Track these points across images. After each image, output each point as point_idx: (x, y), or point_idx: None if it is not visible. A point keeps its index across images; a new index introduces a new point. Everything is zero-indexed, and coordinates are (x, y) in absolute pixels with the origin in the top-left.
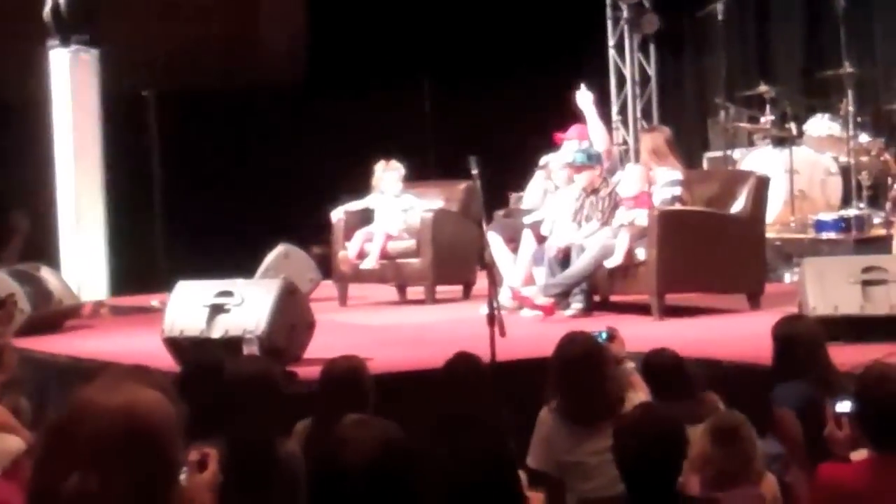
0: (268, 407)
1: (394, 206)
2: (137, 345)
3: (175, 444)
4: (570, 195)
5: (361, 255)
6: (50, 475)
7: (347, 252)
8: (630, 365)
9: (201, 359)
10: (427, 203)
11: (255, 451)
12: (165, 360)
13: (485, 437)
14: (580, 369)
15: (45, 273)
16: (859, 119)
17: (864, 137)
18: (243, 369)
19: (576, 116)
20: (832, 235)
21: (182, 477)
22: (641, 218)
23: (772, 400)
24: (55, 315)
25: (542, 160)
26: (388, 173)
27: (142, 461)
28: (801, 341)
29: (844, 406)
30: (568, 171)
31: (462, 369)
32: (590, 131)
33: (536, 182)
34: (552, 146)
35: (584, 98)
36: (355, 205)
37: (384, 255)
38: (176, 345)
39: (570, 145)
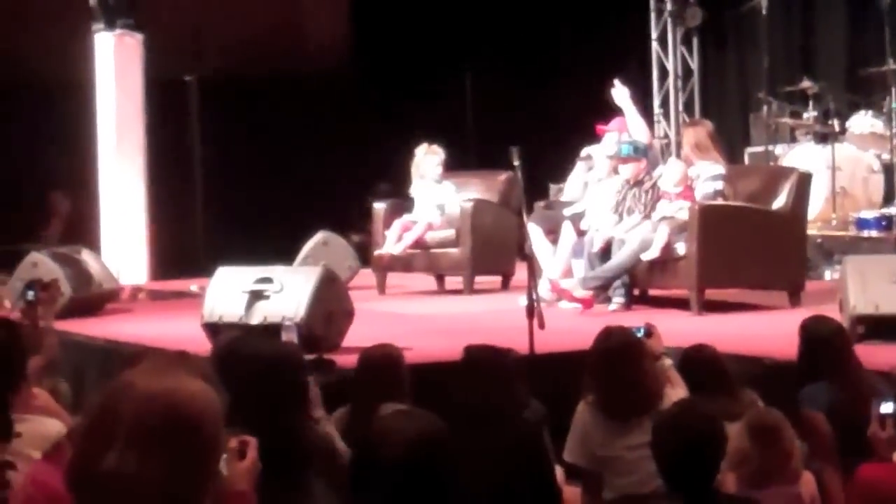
0: (290, 391)
1: (433, 194)
2: (176, 329)
3: (216, 433)
4: (612, 187)
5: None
6: (89, 455)
7: (386, 241)
8: (668, 361)
9: (230, 343)
10: (466, 194)
11: (289, 436)
12: (204, 346)
13: (514, 430)
14: (618, 364)
15: (86, 256)
16: None
17: None
18: (261, 353)
19: (617, 109)
20: (874, 233)
21: (222, 465)
22: (683, 212)
23: (800, 401)
24: (95, 298)
25: (584, 152)
26: (428, 157)
27: (180, 446)
28: (827, 342)
29: (888, 407)
30: (611, 163)
31: (477, 362)
32: (629, 126)
33: (577, 174)
34: (594, 138)
35: (620, 94)
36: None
37: (421, 244)
38: (215, 330)
39: (612, 137)
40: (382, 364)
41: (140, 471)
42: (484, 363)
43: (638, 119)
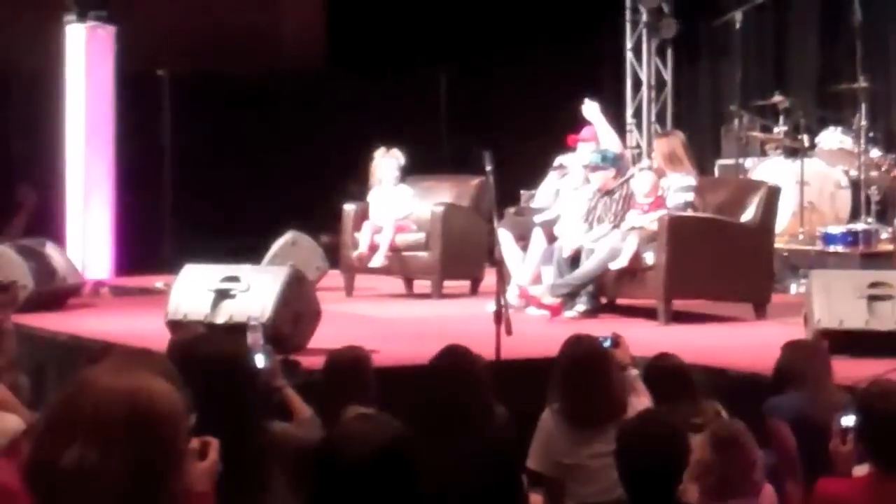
0: (241, 389)
1: (389, 198)
2: (140, 326)
3: (178, 431)
4: (583, 196)
5: (372, 247)
6: (48, 451)
7: (358, 244)
8: (634, 371)
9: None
10: (437, 197)
11: (248, 435)
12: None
13: (483, 434)
14: (583, 372)
15: (50, 249)
16: (871, 134)
17: (875, 152)
18: (210, 350)
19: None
20: (840, 249)
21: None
22: (653, 222)
23: (765, 411)
24: (58, 293)
25: (557, 161)
26: (385, 160)
27: (141, 444)
28: (803, 359)
29: (849, 421)
30: (584, 172)
31: (449, 364)
32: (601, 139)
33: (549, 181)
34: (567, 146)
35: (590, 109)
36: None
37: (392, 247)
38: (179, 328)
39: (586, 146)
40: (350, 367)
41: (100, 468)
42: (456, 365)
43: (610, 131)
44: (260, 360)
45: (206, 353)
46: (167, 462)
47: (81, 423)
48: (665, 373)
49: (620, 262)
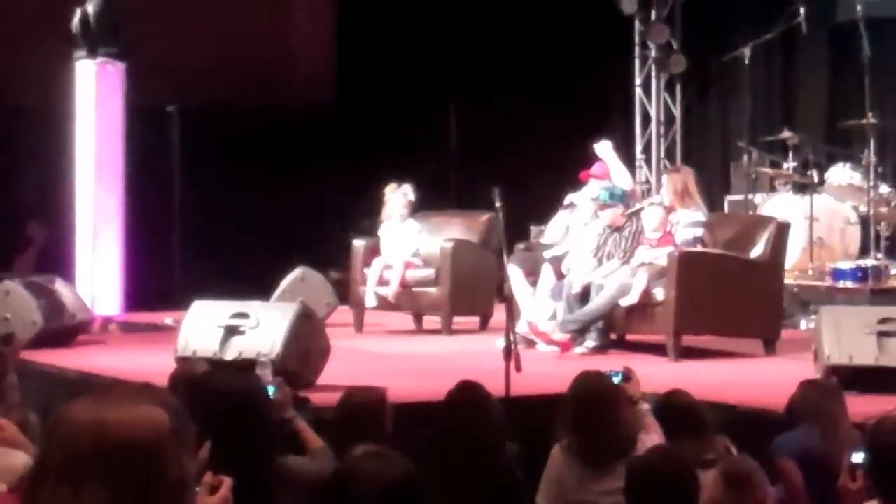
0: (253, 423)
1: (398, 234)
2: (149, 362)
3: (159, 462)
4: (593, 231)
5: (382, 283)
6: (29, 490)
7: (368, 280)
8: (645, 406)
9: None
10: (446, 233)
11: (256, 468)
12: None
13: (493, 471)
14: (593, 408)
15: (60, 286)
16: (880, 170)
17: (884, 188)
18: (223, 385)
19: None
20: (849, 284)
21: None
22: (662, 258)
23: (773, 449)
24: (67, 329)
25: (568, 199)
26: (394, 195)
27: (115, 478)
28: (817, 398)
29: (859, 457)
30: (593, 208)
31: (464, 400)
32: (613, 177)
33: (560, 217)
34: (577, 184)
35: (603, 147)
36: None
37: (402, 284)
38: (186, 364)
39: (596, 182)
40: (366, 407)
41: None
42: (470, 400)
43: (621, 169)
44: (270, 392)
45: (218, 387)
46: (150, 493)
47: (53, 460)
48: (677, 408)
49: (631, 299)
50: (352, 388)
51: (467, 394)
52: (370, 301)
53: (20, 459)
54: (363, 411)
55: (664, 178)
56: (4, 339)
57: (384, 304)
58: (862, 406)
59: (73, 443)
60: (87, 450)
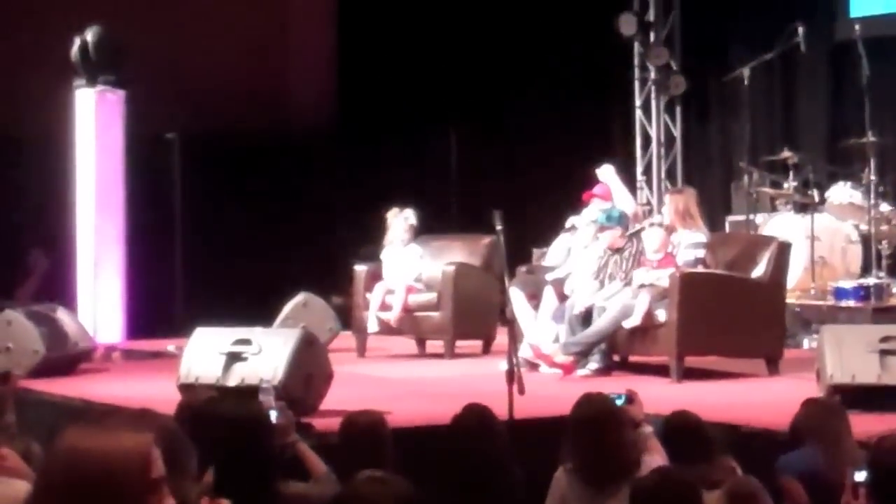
0: (256, 450)
1: (399, 258)
2: (152, 390)
3: (129, 489)
4: (594, 253)
5: (385, 307)
6: None
7: (370, 305)
8: (648, 428)
9: (195, 400)
10: (448, 257)
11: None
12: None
13: (498, 494)
14: (596, 431)
15: (61, 314)
16: (881, 188)
17: (885, 207)
18: (225, 412)
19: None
20: (851, 303)
21: None
22: (663, 279)
23: (778, 469)
24: (69, 357)
25: (569, 222)
26: (395, 220)
27: (90, 501)
28: (820, 417)
29: (862, 476)
30: (594, 230)
31: (471, 423)
32: (616, 201)
33: (561, 240)
34: (579, 206)
35: (605, 172)
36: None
37: (405, 308)
38: (191, 391)
39: (598, 203)
40: (366, 431)
41: None
42: (478, 423)
43: (625, 193)
44: (273, 417)
45: (221, 413)
46: None
47: (48, 487)
48: (683, 429)
49: (633, 321)
50: (352, 414)
51: (474, 416)
52: (372, 326)
53: (22, 488)
54: (364, 436)
55: (666, 198)
56: (2, 377)
57: (386, 329)
58: (864, 425)
59: (48, 472)
60: (60, 479)
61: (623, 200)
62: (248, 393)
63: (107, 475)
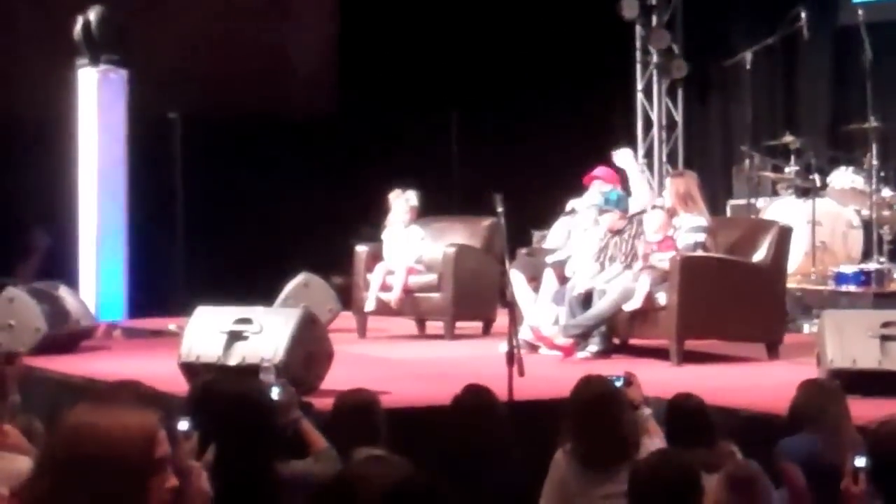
0: (255, 428)
1: (400, 239)
2: (153, 368)
3: (133, 464)
4: (594, 236)
5: (385, 288)
6: (28, 488)
7: (370, 286)
8: (647, 411)
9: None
10: (449, 239)
11: (260, 473)
12: (181, 385)
13: (497, 475)
14: (595, 412)
15: (64, 292)
16: (882, 173)
17: (886, 192)
18: (227, 390)
19: (602, 158)
20: (852, 288)
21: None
22: (664, 262)
23: (777, 453)
24: (71, 335)
25: (569, 206)
26: (396, 202)
27: (92, 478)
28: (819, 400)
29: (862, 461)
30: (594, 213)
31: (471, 403)
32: (632, 189)
33: (561, 222)
34: (577, 186)
35: (623, 157)
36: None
37: (405, 289)
38: (192, 370)
39: (600, 185)
40: (357, 408)
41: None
42: (479, 403)
43: (641, 181)
44: (275, 393)
45: (224, 392)
46: (129, 492)
47: (40, 466)
48: (687, 411)
49: (634, 303)
50: (343, 393)
51: (474, 397)
52: (370, 305)
53: (23, 464)
54: (354, 413)
55: (667, 181)
56: (7, 357)
57: (384, 309)
58: (865, 410)
59: (57, 451)
60: (66, 457)
61: (639, 188)
62: (249, 372)
63: (109, 452)
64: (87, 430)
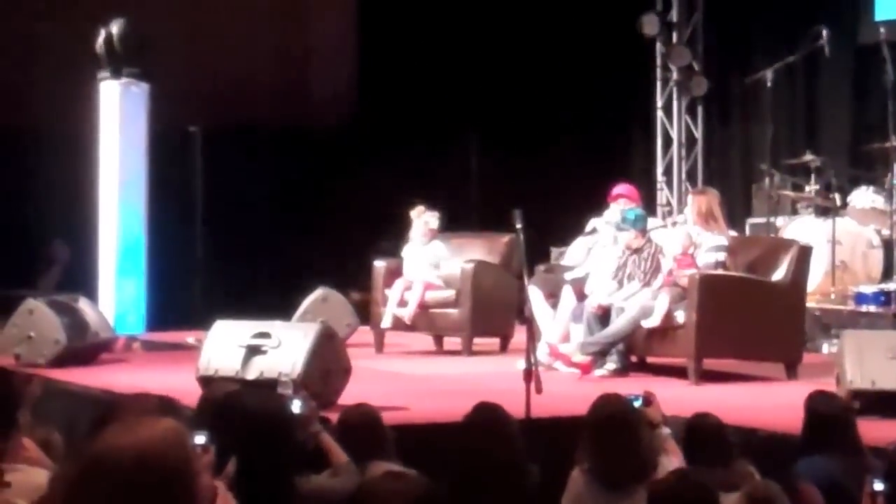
0: (277, 442)
1: (420, 255)
2: (172, 381)
3: (190, 478)
4: (613, 253)
5: (402, 303)
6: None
7: (388, 301)
8: (665, 430)
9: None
10: (467, 255)
11: (280, 489)
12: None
13: (513, 493)
14: (612, 431)
15: (83, 304)
16: None
17: None
18: (248, 404)
19: (621, 176)
20: (872, 308)
21: None
22: (683, 280)
23: (796, 474)
24: (90, 347)
25: (590, 225)
26: (416, 220)
27: (154, 498)
28: (832, 418)
29: (881, 485)
30: (613, 230)
31: (481, 421)
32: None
33: (581, 240)
34: (596, 203)
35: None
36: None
37: (421, 304)
38: (210, 383)
39: (623, 202)
40: (361, 424)
41: None
42: (489, 422)
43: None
44: (296, 407)
45: (245, 405)
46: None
47: (97, 487)
48: (704, 431)
49: (653, 321)
50: (346, 409)
51: (485, 415)
52: (386, 321)
53: (42, 477)
54: (360, 428)
55: (689, 198)
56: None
57: (401, 325)
58: (885, 431)
59: (118, 471)
60: (131, 477)
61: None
62: (267, 386)
63: (152, 463)
64: (126, 443)
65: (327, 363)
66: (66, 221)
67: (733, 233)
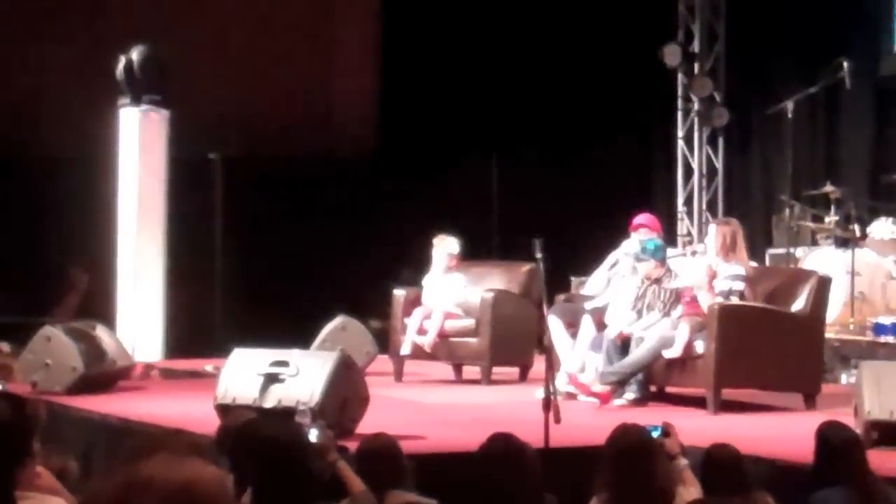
0: (294, 471)
1: (440, 285)
2: (189, 410)
3: None
4: (633, 283)
5: (421, 332)
6: None
7: (408, 329)
8: (683, 461)
9: (236, 422)
10: (487, 284)
11: None
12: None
13: None
14: (630, 462)
15: (101, 332)
16: None
17: None
18: (266, 433)
19: (641, 206)
20: (890, 339)
21: None
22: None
23: None
24: (108, 375)
25: (612, 258)
26: (436, 248)
27: None
28: (842, 449)
29: None
30: (632, 261)
31: (497, 452)
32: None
33: (602, 270)
34: (620, 237)
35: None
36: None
37: (440, 333)
38: (228, 412)
39: (644, 232)
40: (379, 453)
41: None
42: (505, 452)
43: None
44: (314, 436)
45: (262, 434)
46: None
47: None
48: (722, 462)
49: (674, 351)
50: (365, 438)
51: (500, 445)
52: (405, 349)
53: None
54: (380, 458)
55: (711, 227)
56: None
57: (420, 353)
58: None
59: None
60: None
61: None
62: (285, 415)
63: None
64: (177, 474)
65: (346, 392)
66: (84, 248)
67: (754, 263)
